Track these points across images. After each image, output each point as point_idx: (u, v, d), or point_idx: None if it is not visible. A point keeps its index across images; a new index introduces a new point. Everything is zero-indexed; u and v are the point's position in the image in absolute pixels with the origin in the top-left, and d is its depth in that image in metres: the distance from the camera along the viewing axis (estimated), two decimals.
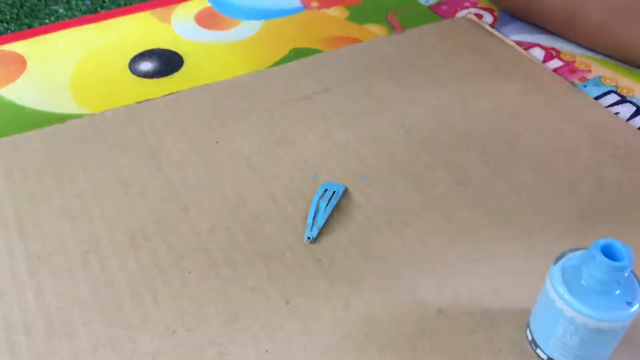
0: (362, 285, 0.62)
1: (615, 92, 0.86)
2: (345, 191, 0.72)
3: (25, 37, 0.96)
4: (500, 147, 0.77)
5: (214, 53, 0.94)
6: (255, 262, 0.64)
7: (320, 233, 0.67)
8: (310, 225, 0.67)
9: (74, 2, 1.29)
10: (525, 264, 0.64)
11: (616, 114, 0.83)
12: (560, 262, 0.53)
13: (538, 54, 0.95)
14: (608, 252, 0.49)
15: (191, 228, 0.67)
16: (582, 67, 0.91)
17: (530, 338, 0.56)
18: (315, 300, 0.60)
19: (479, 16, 1.03)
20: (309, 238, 0.66)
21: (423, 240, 0.66)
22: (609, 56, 0.93)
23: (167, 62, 0.92)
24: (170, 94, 0.85)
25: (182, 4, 1.05)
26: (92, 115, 0.82)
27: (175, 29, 0.99)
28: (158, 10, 1.03)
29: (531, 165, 0.75)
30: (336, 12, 1.04)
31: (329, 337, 0.57)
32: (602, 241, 0.50)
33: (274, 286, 0.61)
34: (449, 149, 0.77)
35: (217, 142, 0.78)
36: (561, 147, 0.77)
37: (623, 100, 0.85)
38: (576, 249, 0.55)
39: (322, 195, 0.70)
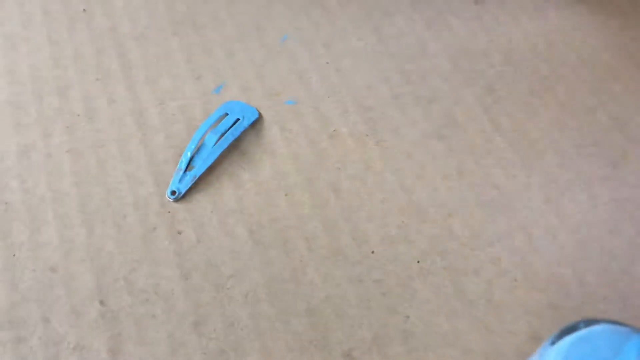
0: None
1: None
2: (257, 121, 0.45)
3: None
4: None
5: None
6: (73, 214, 0.39)
7: (193, 187, 0.42)
8: (182, 172, 0.42)
9: None
10: None
11: None
12: (563, 344, 0.29)
13: None
14: None
15: None
16: None
17: None
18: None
19: None
20: (173, 193, 0.41)
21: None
22: None
23: None
24: None
25: None
26: None
27: None
28: None
29: None
30: None
31: None
32: None
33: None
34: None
35: (84, 10, 0.50)
36: None
37: None
38: (594, 321, 0.30)
39: (216, 124, 0.45)
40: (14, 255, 0.38)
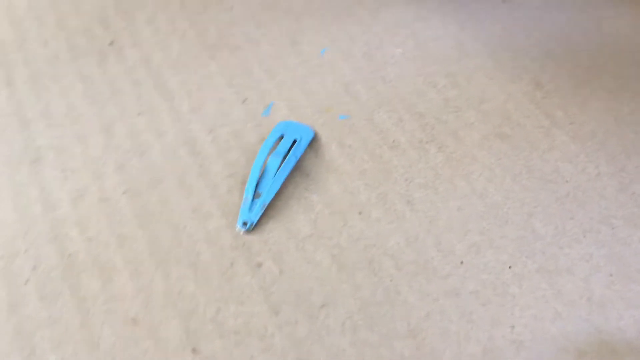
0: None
1: None
2: (313, 139, 0.44)
3: None
4: None
5: None
6: (144, 257, 0.37)
7: (263, 216, 0.40)
8: (250, 201, 0.40)
9: None
10: None
11: None
12: None
13: None
14: None
15: None
16: None
17: None
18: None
19: None
20: (244, 224, 0.39)
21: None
22: None
23: None
24: None
25: None
26: None
27: None
28: None
29: None
30: None
31: None
32: None
33: (176, 330, 0.35)
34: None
35: (111, 43, 0.48)
36: None
37: None
38: None
39: (275, 147, 0.43)
40: (89, 311, 0.35)
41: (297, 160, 0.42)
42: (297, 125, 0.44)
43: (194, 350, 0.34)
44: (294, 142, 0.43)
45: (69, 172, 0.41)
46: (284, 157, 0.42)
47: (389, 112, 0.45)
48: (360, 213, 0.40)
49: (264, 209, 0.39)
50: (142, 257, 0.38)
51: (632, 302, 0.37)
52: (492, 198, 0.41)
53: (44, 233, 0.38)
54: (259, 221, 0.39)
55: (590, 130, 0.45)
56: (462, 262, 0.39)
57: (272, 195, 0.40)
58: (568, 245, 0.39)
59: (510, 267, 0.38)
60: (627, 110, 0.46)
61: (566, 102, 0.47)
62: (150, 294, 0.36)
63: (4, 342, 0.34)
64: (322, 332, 0.35)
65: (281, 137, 0.43)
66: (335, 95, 0.46)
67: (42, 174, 0.41)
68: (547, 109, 0.46)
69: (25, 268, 0.37)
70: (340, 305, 0.36)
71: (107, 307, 0.36)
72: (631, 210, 0.41)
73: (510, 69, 0.49)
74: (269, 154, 0.42)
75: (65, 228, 0.38)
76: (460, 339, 0.35)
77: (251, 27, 0.50)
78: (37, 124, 0.43)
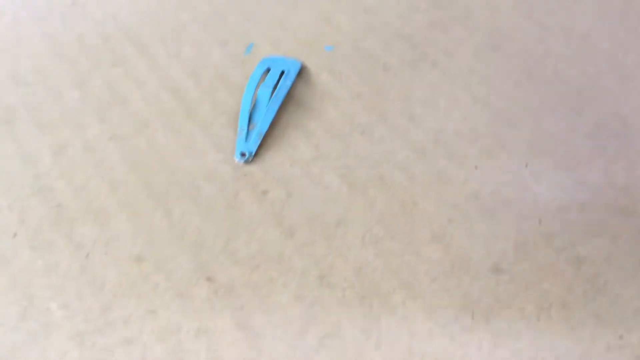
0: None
1: None
2: (302, 71, 0.41)
3: None
4: None
5: None
6: (141, 198, 0.34)
7: (260, 146, 0.37)
8: (245, 132, 0.37)
9: None
10: None
11: None
12: None
13: None
14: None
15: None
16: None
17: None
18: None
19: None
20: (243, 155, 0.36)
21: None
22: None
23: None
24: None
25: None
26: None
27: None
28: None
29: None
30: None
31: None
32: None
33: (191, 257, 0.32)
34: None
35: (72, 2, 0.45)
36: None
37: None
38: None
39: (263, 79, 0.40)
40: (88, 255, 0.32)
41: (288, 90, 0.40)
42: (282, 59, 0.42)
43: (209, 279, 0.31)
44: (282, 73, 0.41)
45: (47, 128, 0.38)
46: (274, 88, 0.39)
47: (374, 38, 0.44)
48: (362, 133, 0.38)
49: (261, 138, 0.37)
50: (138, 199, 0.35)
51: None
52: (496, 105, 0.40)
53: (27, 187, 0.35)
54: (257, 151, 0.37)
55: (582, 33, 0.44)
56: (476, 167, 0.37)
57: (267, 124, 0.38)
58: (581, 139, 0.38)
59: (526, 165, 0.37)
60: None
61: (555, 7, 0.46)
62: (153, 231, 0.33)
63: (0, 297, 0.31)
64: (342, 249, 0.33)
65: (268, 70, 0.41)
66: (317, 28, 0.44)
67: (16, 131, 0.38)
68: (538, 17, 0.45)
69: (11, 222, 0.33)
70: (356, 222, 0.34)
71: (107, 249, 0.33)
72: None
73: None
74: (257, 87, 0.39)
75: (50, 180, 0.35)
76: (488, 237, 0.33)
77: None
78: (3, 84, 0.40)
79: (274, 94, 0.39)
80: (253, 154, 0.36)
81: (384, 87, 0.41)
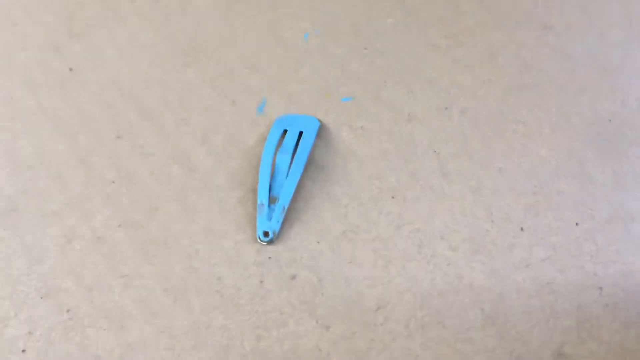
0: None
1: None
2: (320, 128, 0.38)
3: None
4: None
5: None
6: (158, 294, 0.31)
7: (286, 221, 0.34)
8: (266, 207, 0.34)
9: None
10: None
11: None
12: None
13: None
14: None
15: None
16: None
17: None
18: None
19: None
20: (266, 235, 0.33)
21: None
22: None
23: None
24: None
25: None
26: None
27: None
28: None
29: None
30: None
31: None
32: None
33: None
34: None
35: (70, 70, 0.42)
36: None
37: None
38: None
39: (280, 143, 0.37)
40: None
41: (309, 154, 0.37)
42: (298, 117, 0.38)
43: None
44: (300, 134, 0.37)
45: (51, 216, 0.35)
46: (293, 153, 0.36)
47: (395, 84, 0.40)
48: (393, 197, 0.35)
49: (285, 213, 0.34)
50: (154, 295, 0.32)
51: None
52: (534, 153, 0.36)
53: (33, 291, 0.32)
54: (281, 228, 0.34)
55: (617, 65, 0.41)
56: (522, 229, 0.33)
57: (290, 197, 0.34)
58: (634, 188, 0.34)
59: (577, 224, 0.33)
60: None
61: (583, 34, 0.43)
62: (174, 335, 0.30)
63: None
64: (385, 339, 0.30)
65: (285, 132, 0.38)
66: (332, 78, 0.41)
67: (18, 223, 0.35)
68: (565, 48, 0.42)
69: (19, 335, 0.30)
70: (398, 304, 0.31)
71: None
72: None
73: (513, 16, 0.44)
74: (275, 153, 0.36)
75: (57, 280, 0.32)
76: (547, 316, 0.30)
77: (223, 26, 0.44)
78: (3, 168, 0.37)
79: (294, 160, 0.36)
80: (277, 232, 0.33)
81: (411, 140, 0.37)
